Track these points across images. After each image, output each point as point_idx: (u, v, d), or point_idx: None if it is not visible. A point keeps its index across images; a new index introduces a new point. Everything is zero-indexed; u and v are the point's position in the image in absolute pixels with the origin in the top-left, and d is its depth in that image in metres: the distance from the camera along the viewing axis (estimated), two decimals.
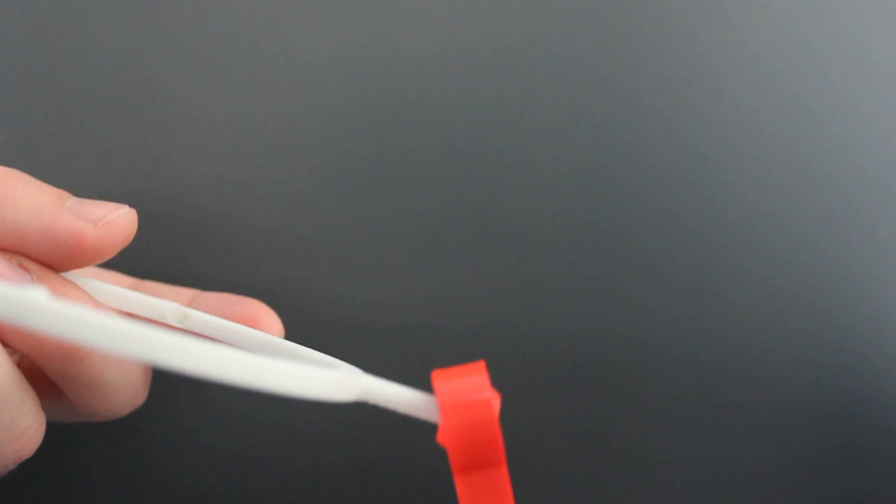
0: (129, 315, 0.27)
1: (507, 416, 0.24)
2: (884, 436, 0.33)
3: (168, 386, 0.32)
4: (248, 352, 0.25)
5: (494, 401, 0.23)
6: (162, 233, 0.32)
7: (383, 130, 0.32)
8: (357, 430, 0.33)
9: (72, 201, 0.24)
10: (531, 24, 0.32)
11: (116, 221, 0.24)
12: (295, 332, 0.32)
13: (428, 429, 0.24)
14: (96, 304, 0.25)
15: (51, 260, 0.24)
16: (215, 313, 0.28)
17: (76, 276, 0.26)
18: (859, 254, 0.32)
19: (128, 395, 0.27)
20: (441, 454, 0.27)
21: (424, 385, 0.24)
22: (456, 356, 0.26)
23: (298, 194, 0.32)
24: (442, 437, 0.23)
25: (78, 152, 0.32)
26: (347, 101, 0.32)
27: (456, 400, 0.23)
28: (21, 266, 0.24)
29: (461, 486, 0.23)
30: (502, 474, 0.23)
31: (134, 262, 0.30)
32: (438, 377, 0.24)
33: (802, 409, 0.33)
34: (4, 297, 0.17)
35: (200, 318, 0.27)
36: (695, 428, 0.34)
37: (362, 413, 0.30)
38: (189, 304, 0.29)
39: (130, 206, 0.31)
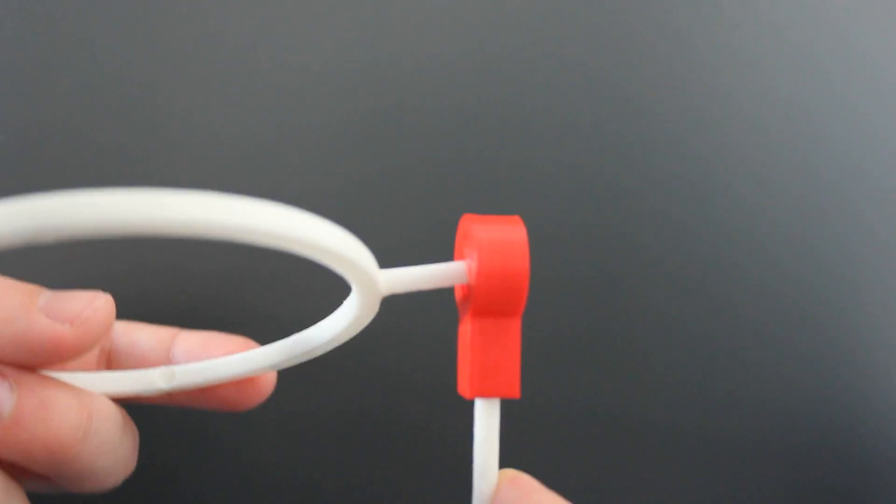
0: (118, 397, 0.25)
1: (506, 415, 0.24)
2: (884, 436, 0.34)
3: None
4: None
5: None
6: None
7: (383, 133, 0.32)
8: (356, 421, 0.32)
9: (44, 299, 0.22)
10: (531, 27, 0.32)
11: (94, 317, 0.22)
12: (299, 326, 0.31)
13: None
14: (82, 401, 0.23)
15: (28, 363, 0.22)
16: (198, 355, 0.27)
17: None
18: (859, 254, 0.33)
19: (120, 472, 0.25)
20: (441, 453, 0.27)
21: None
22: (450, 355, 0.27)
23: (298, 198, 0.32)
24: (476, 273, 0.23)
25: (78, 152, 0.31)
26: (348, 105, 0.31)
27: (494, 240, 0.23)
28: None
29: (474, 328, 0.23)
30: (515, 325, 0.24)
31: (135, 264, 0.29)
32: (474, 219, 0.24)
33: (802, 407, 0.34)
34: None
35: (188, 370, 0.26)
36: (695, 426, 0.34)
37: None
38: (169, 348, 0.27)
39: None
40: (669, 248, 0.33)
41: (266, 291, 0.32)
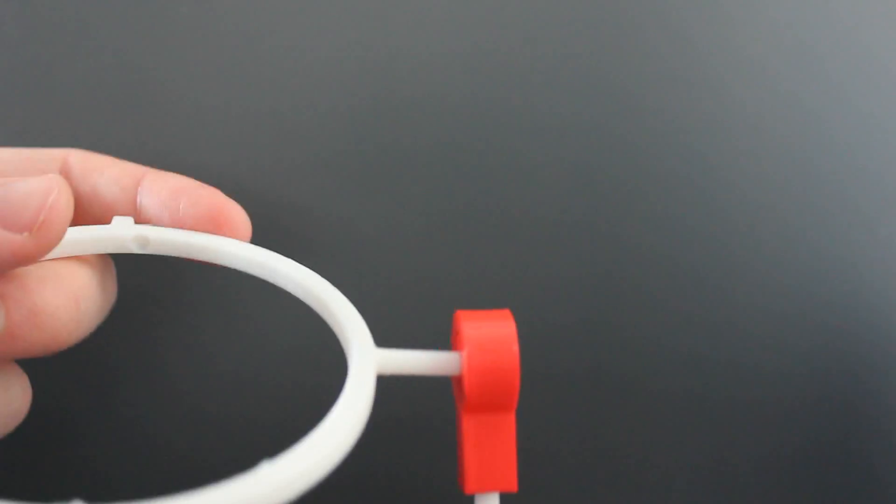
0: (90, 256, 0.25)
1: None
2: (883, 434, 0.33)
3: (160, 357, 0.32)
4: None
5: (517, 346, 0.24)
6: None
7: (381, 129, 0.32)
8: None
9: None
10: (531, 23, 0.32)
11: (51, 218, 0.21)
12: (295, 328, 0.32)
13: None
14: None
15: None
16: (168, 206, 0.26)
17: None
18: (859, 252, 0.33)
19: (105, 311, 0.25)
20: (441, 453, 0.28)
21: None
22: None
23: (297, 192, 0.32)
24: (465, 372, 0.23)
25: (77, 147, 0.30)
26: (347, 100, 0.32)
27: (483, 337, 0.23)
28: None
29: (468, 424, 0.24)
30: (510, 420, 0.24)
31: (137, 259, 0.28)
32: (465, 316, 0.24)
33: (802, 405, 0.34)
34: None
35: (163, 239, 0.25)
36: (694, 424, 0.34)
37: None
38: (134, 192, 0.26)
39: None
40: (670, 246, 0.33)
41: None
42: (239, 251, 0.26)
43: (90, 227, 0.25)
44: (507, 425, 0.24)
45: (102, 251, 0.25)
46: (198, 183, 0.27)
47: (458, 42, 0.32)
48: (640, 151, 0.33)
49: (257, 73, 0.31)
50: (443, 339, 0.26)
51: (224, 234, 0.26)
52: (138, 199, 0.26)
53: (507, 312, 0.24)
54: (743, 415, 0.34)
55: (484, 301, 0.27)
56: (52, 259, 0.24)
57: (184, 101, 0.31)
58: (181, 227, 0.26)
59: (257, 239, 0.27)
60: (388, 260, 0.32)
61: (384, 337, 0.24)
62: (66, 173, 0.27)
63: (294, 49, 0.31)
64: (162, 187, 0.26)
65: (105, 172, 0.27)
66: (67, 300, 0.23)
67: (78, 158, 0.27)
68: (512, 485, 0.24)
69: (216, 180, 0.31)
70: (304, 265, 0.26)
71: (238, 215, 0.27)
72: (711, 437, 0.34)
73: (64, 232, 0.21)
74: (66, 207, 0.21)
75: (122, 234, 0.25)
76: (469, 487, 0.24)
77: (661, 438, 0.34)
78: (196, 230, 0.26)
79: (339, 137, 0.32)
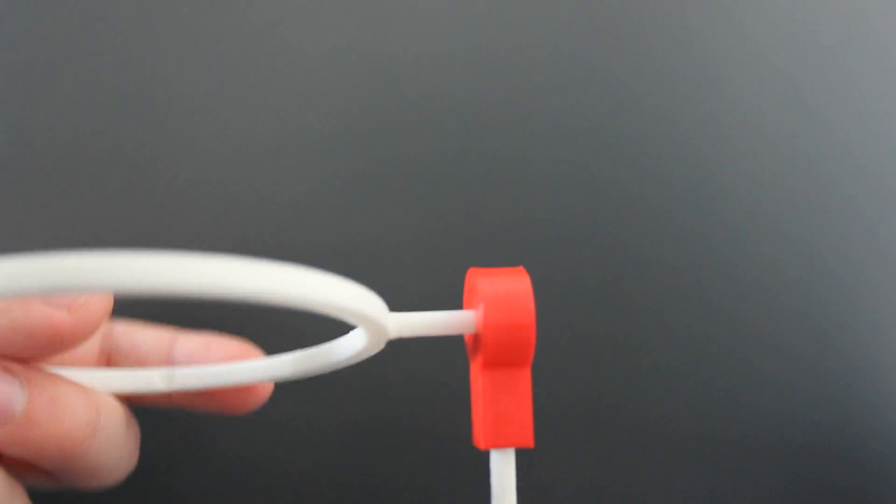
0: (119, 395, 0.26)
1: None
2: (884, 439, 0.33)
3: None
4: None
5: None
6: (160, 232, 0.32)
7: (382, 133, 0.32)
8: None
9: None
10: (531, 25, 0.32)
11: (91, 301, 0.22)
12: (294, 331, 0.31)
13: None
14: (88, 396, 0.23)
15: (29, 353, 0.22)
16: (198, 358, 0.27)
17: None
18: (859, 254, 0.33)
19: (123, 468, 0.26)
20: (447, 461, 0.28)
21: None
22: (454, 357, 0.27)
23: (297, 198, 0.32)
24: (482, 326, 0.23)
25: (78, 152, 0.31)
26: (349, 102, 0.32)
27: (499, 292, 0.24)
28: (5, 369, 0.22)
29: (484, 380, 0.24)
30: (526, 375, 0.24)
31: None
32: (480, 273, 0.24)
33: (801, 409, 0.34)
34: None
35: (187, 374, 0.26)
36: (691, 428, 0.34)
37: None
38: (169, 349, 0.28)
39: (130, 206, 0.31)
40: (668, 248, 0.33)
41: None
42: (264, 363, 0.26)
43: (117, 368, 0.27)
44: (523, 380, 0.24)
45: (129, 389, 0.26)
46: (227, 337, 0.28)
47: (459, 42, 0.32)
48: (641, 154, 0.33)
49: (257, 75, 0.32)
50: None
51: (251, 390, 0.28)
52: (172, 352, 0.28)
53: (521, 269, 0.24)
54: (741, 416, 0.34)
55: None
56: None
57: (184, 99, 0.31)
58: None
59: (256, 243, 0.28)
60: (387, 262, 0.32)
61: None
62: (108, 334, 0.28)
63: (294, 52, 0.32)
64: (194, 340, 0.28)
65: (145, 331, 0.28)
66: (88, 402, 0.23)
67: (121, 324, 0.28)
68: (528, 440, 0.24)
69: (216, 178, 0.31)
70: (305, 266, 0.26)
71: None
72: (709, 440, 0.34)
73: (103, 315, 0.22)
74: (105, 296, 0.22)
75: (147, 373, 0.26)
76: (486, 443, 0.24)
77: (657, 441, 0.34)
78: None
79: (339, 140, 0.32)
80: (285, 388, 0.32)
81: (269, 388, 0.28)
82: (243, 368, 0.26)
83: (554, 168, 0.33)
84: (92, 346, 0.27)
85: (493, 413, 0.24)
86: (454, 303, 0.28)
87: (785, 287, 0.33)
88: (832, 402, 0.34)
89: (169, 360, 0.28)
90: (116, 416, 0.24)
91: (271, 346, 0.29)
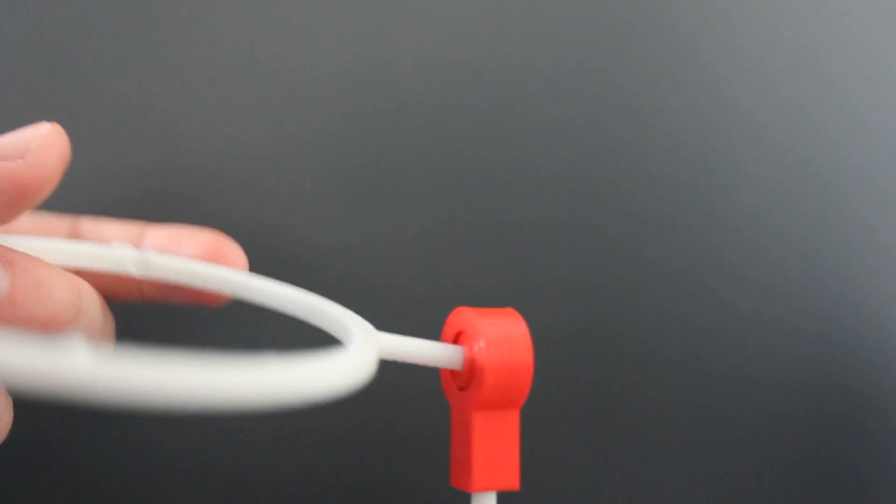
0: (86, 270, 0.25)
1: None
2: (884, 436, 0.34)
3: None
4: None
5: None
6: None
7: (380, 133, 0.32)
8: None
9: None
10: (529, 27, 0.32)
11: (45, 146, 0.22)
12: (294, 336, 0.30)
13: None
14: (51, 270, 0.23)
15: None
16: (169, 249, 0.27)
17: (14, 238, 0.24)
18: (858, 256, 0.34)
19: None
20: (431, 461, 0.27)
21: None
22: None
23: (296, 199, 0.31)
24: (486, 367, 0.23)
25: (78, 152, 0.29)
26: (347, 105, 0.32)
27: (500, 334, 0.23)
28: None
29: (477, 421, 0.24)
30: (515, 417, 0.24)
31: None
32: (476, 313, 0.24)
33: (802, 409, 0.34)
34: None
35: (164, 264, 0.25)
36: (693, 429, 0.34)
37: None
38: (138, 243, 0.27)
39: (130, 206, 0.30)
40: (667, 249, 0.33)
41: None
42: (243, 280, 0.25)
43: (92, 242, 0.26)
44: (513, 422, 0.24)
45: (100, 267, 0.25)
46: (197, 228, 0.28)
47: (456, 44, 0.32)
48: (640, 157, 0.33)
49: (257, 78, 0.31)
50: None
51: None
52: (141, 245, 0.27)
53: (512, 310, 0.24)
54: (742, 419, 0.34)
55: (482, 303, 0.27)
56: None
57: (183, 100, 0.31)
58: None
59: (255, 245, 0.28)
60: (386, 265, 0.32)
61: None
62: (76, 227, 0.28)
63: (294, 53, 0.31)
64: (162, 232, 0.28)
65: (112, 226, 0.28)
66: (70, 285, 0.23)
67: (88, 220, 0.28)
68: (514, 482, 0.24)
69: (216, 180, 0.31)
70: (305, 272, 0.27)
71: (236, 253, 0.27)
72: (711, 441, 0.34)
73: (60, 162, 0.22)
74: (60, 139, 0.22)
75: (122, 254, 0.25)
76: (475, 486, 0.23)
77: (660, 441, 0.34)
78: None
79: (339, 142, 0.31)
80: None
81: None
82: (225, 277, 0.25)
83: (552, 169, 0.33)
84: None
85: (483, 455, 0.23)
86: (452, 305, 0.28)
87: (785, 286, 0.34)
88: (833, 398, 0.34)
89: None
90: (95, 303, 0.24)
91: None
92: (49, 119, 0.28)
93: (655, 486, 0.34)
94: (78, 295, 0.23)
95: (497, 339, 0.23)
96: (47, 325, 0.22)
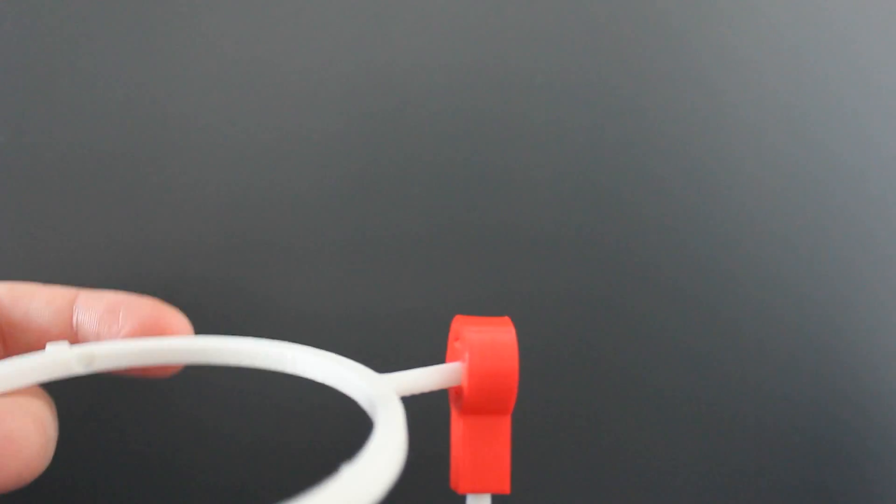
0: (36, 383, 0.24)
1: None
2: (882, 440, 0.33)
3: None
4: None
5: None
6: (159, 233, 0.31)
7: (379, 136, 0.32)
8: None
9: None
10: (528, 31, 0.32)
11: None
12: (296, 338, 0.32)
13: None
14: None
15: None
16: (107, 324, 0.25)
17: None
18: (856, 260, 0.33)
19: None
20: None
21: None
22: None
23: (293, 203, 0.32)
24: (466, 375, 0.24)
25: (78, 153, 0.31)
26: (346, 108, 0.32)
27: (484, 342, 0.24)
28: None
29: (464, 426, 0.24)
30: (505, 423, 0.25)
31: (135, 266, 0.29)
32: (466, 321, 0.25)
33: (800, 413, 0.34)
34: None
35: (109, 353, 0.24)
36: (691, 433, 0.34)
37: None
38: (69, 317, 0.26)
39: (128, 205, 0.30)
40: (665, 254, 0.33)
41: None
42: (193, 345, 0.25)
43: (28, 355, 0.24)
44: (503, 428, 0.24)
45: (47, 378, 0.24)
46: (135, 295, 0.26)
47: (455, 48, 0.32)
48: (636, 158, 0.33)
49: (257, 77, 0.31)
50: (438, 350, 0.27)
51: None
52: (74, 318, 0.26)
53: (506, 319, 0.25)
54: (742, 420, 0.34)
55: (480, 309, 0.27)
56: (3, 393, 0.23)
57: (183, 101, 0.31)
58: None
59: (254, 247, 0.28)
60: (386, 266, 0.32)
61: (384, 347, 0.24)
62: None
63: (294, 54, 0.31)
64: (98, 303, 0.26)
65: (35, 297, 0.26)
66: (36, 426, 0.22)
67: (4, 289, 0.26)
68: (504, 486, 0.24)
69: (215, 181, 0.31)
70: (299, 279, 0.26)
71: (179, 322, 0.26)
72: (711, 442, 0.34)
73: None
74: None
75: (64, 357, 0.24)
76: (463, 487, 0.24)
77: (660, 443, 0.34)
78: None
79: (338, 140, 0.32)
80: (269, 402, 0.33)
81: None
82: (178, 347, 0.24)
83: (550, 173, 0.33)
84: None
85: (471, 459, 0.24)
86: (451, 308, 0.28)
87: (782, 291, 0.33)
88: (828, 404, 0.34)
89: (72, 329, 0.26)
90: (52, 420, 0.23)
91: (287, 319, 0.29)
92: (48, 118, 0.30)
93: (655, 487, 0.34)
94: (44, 432, 0.22)
95: (481, 345, 0.24)
96: (22, 476, 0.22)
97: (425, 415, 0.30)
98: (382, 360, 0.26)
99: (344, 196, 0.32)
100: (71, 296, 0.26)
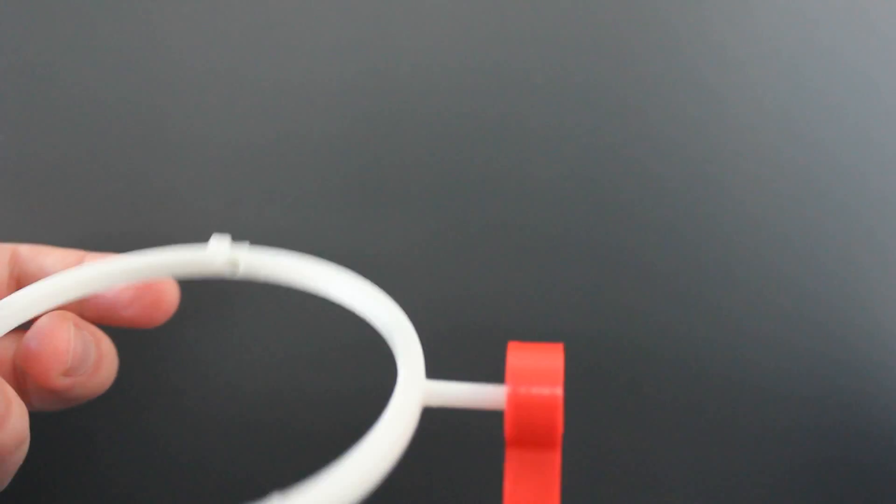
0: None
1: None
2: (883, 441, 0.33)
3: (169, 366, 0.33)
4: None
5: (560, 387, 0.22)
6: (160, 233, 0.32)
7: (380, 138, 0.32)
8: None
9: None
10: (527, 33, 0.32)
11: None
12: (297, 341, 0.33)
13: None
14: None
15: None
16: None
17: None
18: (856, 260, 0.32)
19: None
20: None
21: None
22: (452, 364, 0.26)
23: (295, 206, 0.33)
24: (506, 405, 0.22)
25: (78, 153, 0.32)
26: (347, 110, 0.32)
27: (526, 370, 0.23)
28: None
29: (510, 459, 0.23)
30: (554, 459, 0.23)
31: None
32: (513, 347, 0.24)
33: (800, 414, 0.33)
34: None
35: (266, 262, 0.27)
36: (692, 434, 0.33)
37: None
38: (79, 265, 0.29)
39: (128, 206, 0.32)
40: (667, 254, 0.32)
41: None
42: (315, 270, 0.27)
43: (179, 248, 0.27)
44: (551, 464, 0.23)
45: (194, 274, 0.27)
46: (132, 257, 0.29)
47: (455, 50, 0.32)
48: (636, 159, 0.32)
49: (257, 78, 0.32)
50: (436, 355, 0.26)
51: (157, 307, 0.29)
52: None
53: (559, 346, 0.23)
54: (742, 422, 0.33)
55: (482, 309, 0.28)
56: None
57: (183, 103, 0.32)
58: (119, 298, 0.29)
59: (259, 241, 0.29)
60: (385, 268, 0.31)
61: (384, 349, 0.24)
62: (14, 257, 0.29)
63: (295, 60, 0.32)
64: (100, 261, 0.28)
65: (50, 254, 0.29)
66: (22, 413, 0.24)
67: (26, 247, 0.30)
68: None
69: (215, 183, 0.32)
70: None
71: (171, 285, 0.29)
72: (710, 443, 0.33)
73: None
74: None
75: (214, 259, 0.27)
76: None
77: (660, 444, 0.33)
78: (135, 299, 0.29)
79: (339, 148, 0.32)
80: (286, 395, 0.33)
81: (175, 301, 0.29)
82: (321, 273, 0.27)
83: (550, 174, 0.32)
84: (0, 272, 0.29)
85: (516, 494, 0.23)
86: (451, 310, 0.28)
87: (783, 290, 0.33)
88: (830, 404, 0.33)
89: None
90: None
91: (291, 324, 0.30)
92: (47, 118, 0.31)
93: (655, 488, 0.34)
94: (24, 421, 0.24)
95: (522, 374, 0.23)
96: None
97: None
98: (383, 360, 0.26)
99: (346, 198, 0.32)
100: (79, 255, 0.29)
